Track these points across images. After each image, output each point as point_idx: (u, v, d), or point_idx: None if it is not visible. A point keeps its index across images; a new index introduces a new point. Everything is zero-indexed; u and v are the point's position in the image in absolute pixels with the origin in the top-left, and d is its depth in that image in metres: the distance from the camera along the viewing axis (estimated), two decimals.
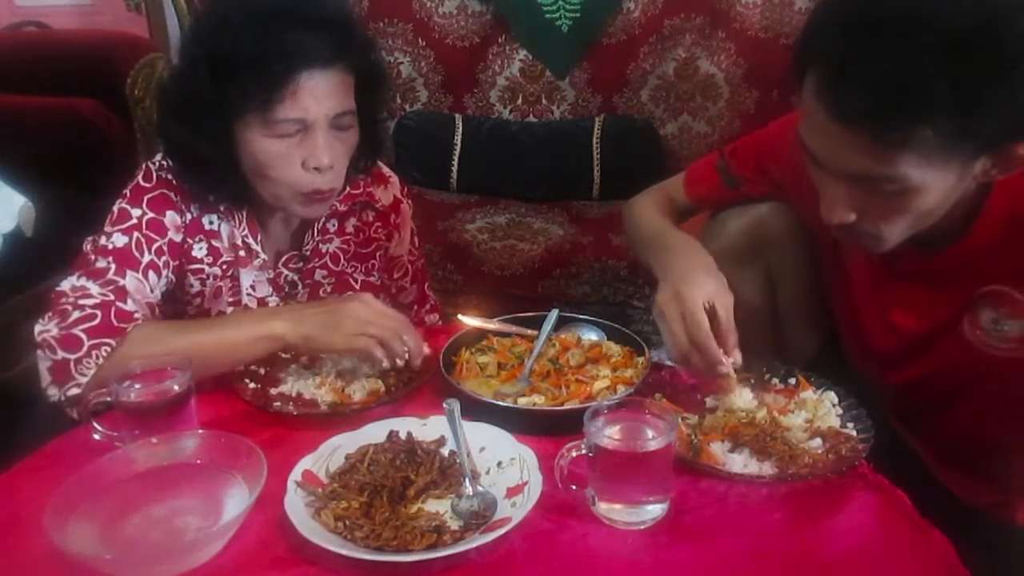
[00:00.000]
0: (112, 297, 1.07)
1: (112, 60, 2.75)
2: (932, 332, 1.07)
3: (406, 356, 1.07)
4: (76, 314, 1.04)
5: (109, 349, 1.03)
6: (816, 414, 1.01)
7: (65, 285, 1.08)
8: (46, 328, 1.03)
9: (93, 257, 1.11)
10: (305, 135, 1.11)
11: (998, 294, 0.97)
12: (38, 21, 3.55)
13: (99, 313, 1.04)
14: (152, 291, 1.14)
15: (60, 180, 2.31)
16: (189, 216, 1.20)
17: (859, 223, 0.94)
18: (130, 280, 1.10)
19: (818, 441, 0.96)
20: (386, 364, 1.07)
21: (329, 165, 1.12)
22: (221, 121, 1.11)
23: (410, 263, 1.46)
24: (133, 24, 3.45)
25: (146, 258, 1.13)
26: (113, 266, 1.10)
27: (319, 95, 1.09)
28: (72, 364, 1.01)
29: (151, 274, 1.14)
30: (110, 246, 1.12)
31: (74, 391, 1.01)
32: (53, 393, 1.02)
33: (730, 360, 1.00)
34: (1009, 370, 1.00)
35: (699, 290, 1.01)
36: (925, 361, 1.09)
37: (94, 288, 1.08)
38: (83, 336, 1.02)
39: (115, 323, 1.05)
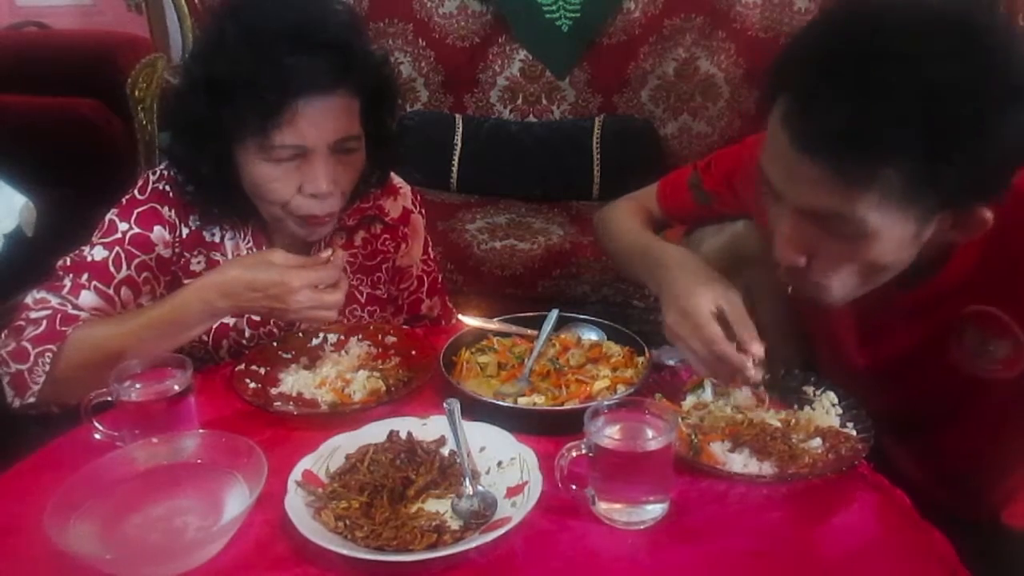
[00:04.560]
0: (67, 307, 1.08)
1: (112, 60, 2.76)
2: (912, 357, 1.05)
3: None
4: (28, 327, 1.05)
5: (52, 354, 1.03)
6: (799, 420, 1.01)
7: (29, 298, 1.10)
8: (3, 344, 1.05)
9: (62, 273, 1.12)
10: (304, 160, 1.08)
11: (984, 315, 0.95)
12: (38, 21, 3.56)
13: (45, 322, 1.05)
14: (123, 306, 1.13)
15: (60, 180, 2.31)
16: (186, 230, 1.19)
17: (808, 271, 0.92)
18: (87, 297, 1.10)
19: (818, 441, 0.96)
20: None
21: (328, 192, 1.10)
22: (220, 142, 1.09)
23: (425, 274, 1.43)
24: (133, 24, 3.45)
25: (122, 273, 1.13)
26: (70, 284, 1.10)
27: (318, 121, 1.06)
28: (26, 375, 1.03)
29: (124, 290, 1.13)
30: (88, 258, 1.12)
31: (31, 399, 1.04)
32: (16, 404, 1.05)
33: (754, 362, 0.97)
34: (995, 392, 0.99)
35: (703, 300, 0.99)
36: (908, 385, 1.08)
37: (54, 300, 1.09)
38: (29, 346, 1.04)
39: (58, 328, 1.05)
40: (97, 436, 0.97)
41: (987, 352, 0.97)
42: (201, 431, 0.96)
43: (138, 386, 0.96)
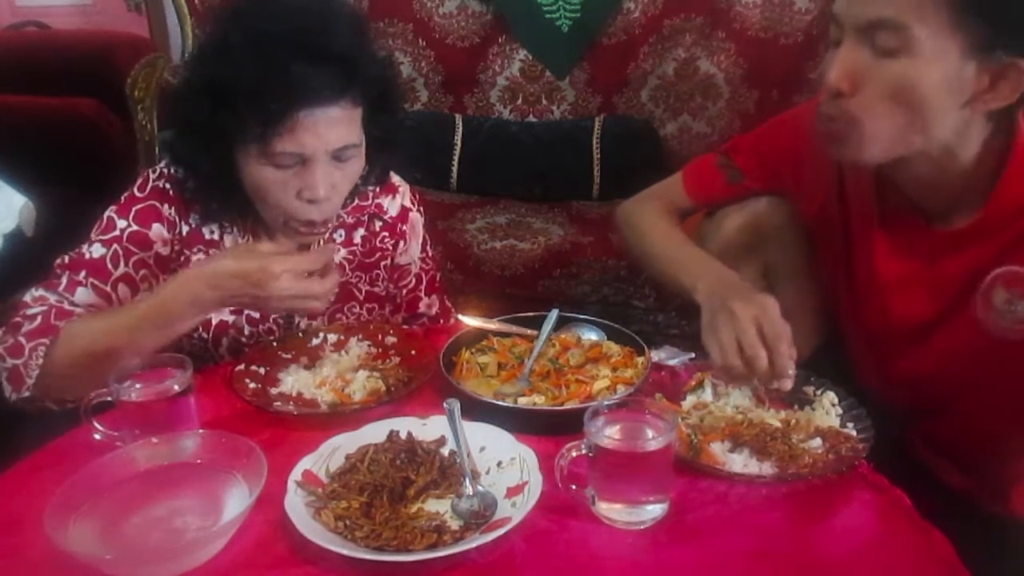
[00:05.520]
0: (63, 304, 1.08)
1: (112, 60, 2.76)
2: (939, 316, 1.06)
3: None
4: (24, 323, 1.06)
5: (44, 347, 1.04)
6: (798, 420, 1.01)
7: (27, 296, 1.10)
8: (1, 340, 1.06)
9: (60, 271, 1.12)
10: (303, 167, 1.09)
11: (1013, 275, 0.97)
12: (38, 21, 3.57)
13: (40, 317, 1.06)
14: (120, 304, 1.13)
15: (60, 180, 2.31)
16: (186, 227, 1.20)
17: (850, 105, 0.96)
18: (83, 294, 1.11)
19: (818, 441, 0.96)
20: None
21: (325, 197, 1.11)
22: (222, 143, 1.09)
23: (424, 272, 1.44)
24: (133, 24, 3.46)
25: (119, 271, 1.14)
26: (67, 281, 1.11)
27: (319, 131, 1.06)
28: (22, 368, 1.03)
29: (122, 287, 1.14)
30: (86, 256, 1.13)
31: (27, 393, 1.04)
32: (13, 397, 1.05)
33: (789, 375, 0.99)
34: (1015, 360, 0.99)
35: (748, 307, 1.00)
36: (933, 347, 1.09)
37: (51, 297, 1.09)
38: (24, 340, 1.04)
39: (52, 322, 1.05)
40: (97, 436, 0.97)
41: (1013, 313, 0.98)
42: (201, 431, 0.96)
43: (138, 386, 0.96)
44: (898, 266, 1.10)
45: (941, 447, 1.17)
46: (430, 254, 1.45)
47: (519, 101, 2.73)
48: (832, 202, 1.17)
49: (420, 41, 2.69)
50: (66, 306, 1.08)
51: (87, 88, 2.75)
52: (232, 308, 1.22)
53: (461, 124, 2.67)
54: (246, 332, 1.25)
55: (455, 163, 2.66)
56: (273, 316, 1.26)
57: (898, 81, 0.93)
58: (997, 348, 1.01)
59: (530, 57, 2.68)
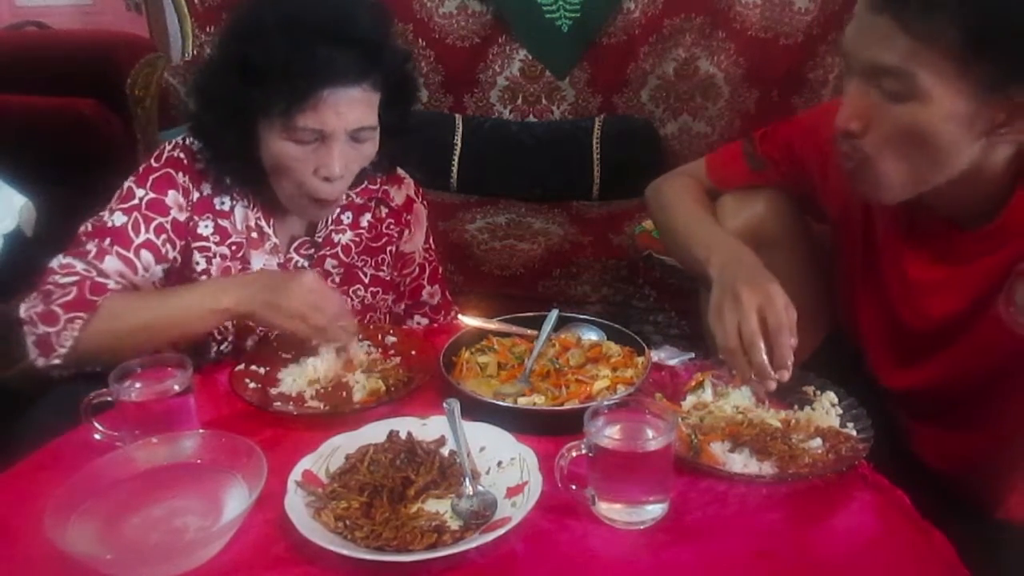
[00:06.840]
0: (93, 274, 1.13)
1: (112, 60, 2.76)
2: (970, 316, 1.06)
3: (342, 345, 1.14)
4: (56, 291, 1.10)
5: (81, 322, 1.08)
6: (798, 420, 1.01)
7: (54, 263, 1.14)
8: (32, 305, 1.10)
9: (85, 239, 1.16)
10: (321, 144, 1.14)
11: None
12: (38, 21, 3.57)
13: (75, 289, 1.10)
14: (145, 270, 1.18)
15: (60, 180, 2.31)
16: (197, 195, 1.23)
17: (864, 143, 0.96)
18: (111, 262, 1.15)
19: (818, 441, 0.96)
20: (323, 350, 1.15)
21: (340, 176, 1.16)
22: (246, 116, 1.14)
23: (427, 262, 1.48)
24: (133, 24, 3.47)
25: (141, 237, 1.17)
26: (95, 249, 1.14)
27: (341, 110, 1.12)
28: (52, 337, 1.08)
29: (144, 253, 1.17)
30: (109, 224, 1.17)
31: (56, 361, 1.09)
32: (41, 363, 1.10)
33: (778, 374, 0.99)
34: None
35: (753, 295, 1.01)
36: (961, 347, 1.08)
37: (79, 266, 1.13)
38: (59, 311, 1.08)
39: (88, 297, 1.10)
40: (97, 436, 0.97)
41: None
42: (201, 431, 0.96)
43: (138, 386, 0.97)
44: (929, 270, 1.09)
45: (947, 452, 1.16)
46: (432, 246, 1.50)
47: (519, 101, 2.73)
48: (856, 203, 1.17)
49: (420, 41, 2.69)
50: (96, 277, 1.12)
51: (87, 88, 2.75)
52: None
53: (461, 124, 2.67)
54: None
55: (455, 163, 2.65)
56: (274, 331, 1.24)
57: (907, 125, 0.92)
58: (1016, 346, 0.99)
59: (530, 57, 2.68)
